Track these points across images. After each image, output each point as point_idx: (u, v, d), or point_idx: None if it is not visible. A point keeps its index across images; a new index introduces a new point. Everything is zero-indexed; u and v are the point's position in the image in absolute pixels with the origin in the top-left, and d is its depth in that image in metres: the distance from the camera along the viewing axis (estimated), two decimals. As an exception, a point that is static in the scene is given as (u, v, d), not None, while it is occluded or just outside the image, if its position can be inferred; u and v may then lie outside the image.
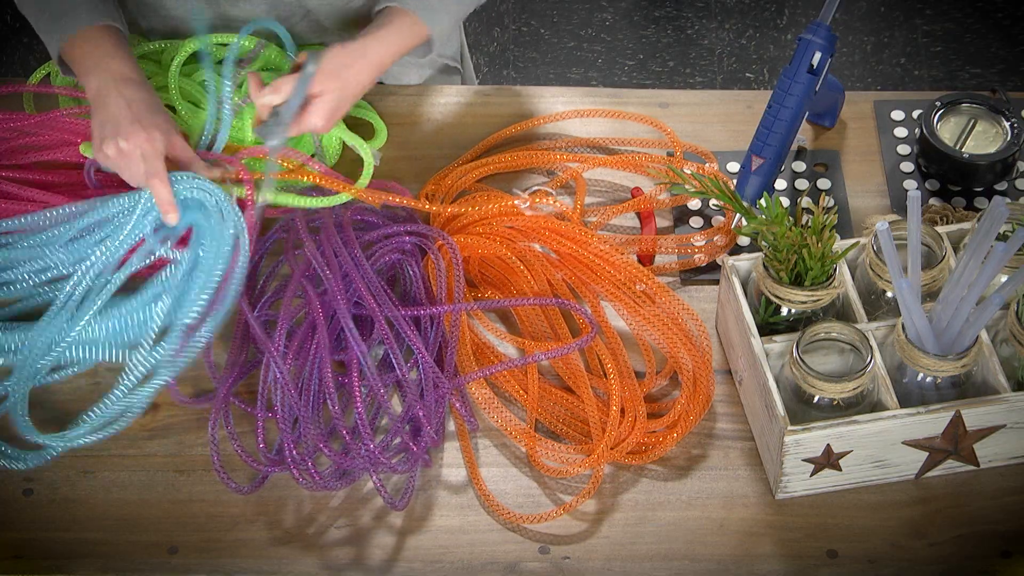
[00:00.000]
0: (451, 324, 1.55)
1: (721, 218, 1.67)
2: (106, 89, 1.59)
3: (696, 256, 1.63)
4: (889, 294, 1.50)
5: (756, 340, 1.46)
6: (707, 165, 1.69)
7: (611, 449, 1.47)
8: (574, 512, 1.46)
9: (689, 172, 1.66)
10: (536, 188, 1.69)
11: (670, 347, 1.55)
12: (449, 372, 1.52)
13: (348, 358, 1.50)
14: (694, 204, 1.69)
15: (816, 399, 1.43)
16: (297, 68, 1.61)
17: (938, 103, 1.70)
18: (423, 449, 1.47)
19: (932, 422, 1.42)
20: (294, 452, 1.45)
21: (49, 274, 1.57)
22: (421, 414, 1.47)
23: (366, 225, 1.65)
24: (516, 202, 1.63)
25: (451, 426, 1.52)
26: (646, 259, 1.63)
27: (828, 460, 1.43)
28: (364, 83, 1.63)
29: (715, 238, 1.64)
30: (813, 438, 1.41)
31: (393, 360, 1.49)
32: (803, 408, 1.44)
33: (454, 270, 1.58)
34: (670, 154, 1.72)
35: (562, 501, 1.47)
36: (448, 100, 1.80)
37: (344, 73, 1.61)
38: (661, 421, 1.50)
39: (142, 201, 1.56)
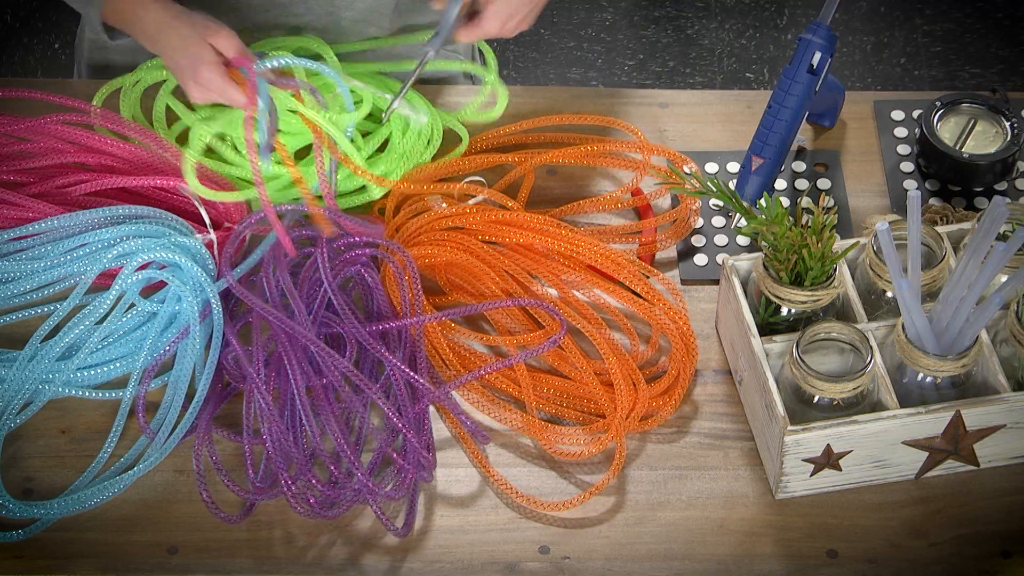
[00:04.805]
0: (416, 334, 1.54)
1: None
2: (157, 37, 1.60)
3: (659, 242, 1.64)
4: (889, 294, 1.50)
5: (756, 340, 1.46)
6: (688, 166, 1.69)
7: (624, 420, 1.48)
8: (574, 512, 1.46)
9: (688, 172, 1.67)
10: (468, 180, 1.68)
11: (644, 313, 1.56)
12: (424, 384, 1.49)
13: (323, 384, 1.49)
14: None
15: (816, 399, 1.43)
16: None
17: (938, 103, 1.70)
18: (413, 467, 1.46)
19: (932, 422, 1.42)
20: (292, 486, 1.43)
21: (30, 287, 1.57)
22: (403, 429, 1.46)
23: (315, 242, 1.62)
24: (433, 207, 1.63)
25: (445, 432, 1.52)
26: (646, 259, 1.63)
27: (828, 460, 1.43)
28: None
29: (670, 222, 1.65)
30: (813, 438, 1.41)
31: (361, 382, 1.47)
32: (803, 408, 1.44)
33: (411, 279, 1.56)
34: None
35: (577, 490, 1.47)
36: (447, 100, 1.80)
37: None
38: (661, 383, 1.52)
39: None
